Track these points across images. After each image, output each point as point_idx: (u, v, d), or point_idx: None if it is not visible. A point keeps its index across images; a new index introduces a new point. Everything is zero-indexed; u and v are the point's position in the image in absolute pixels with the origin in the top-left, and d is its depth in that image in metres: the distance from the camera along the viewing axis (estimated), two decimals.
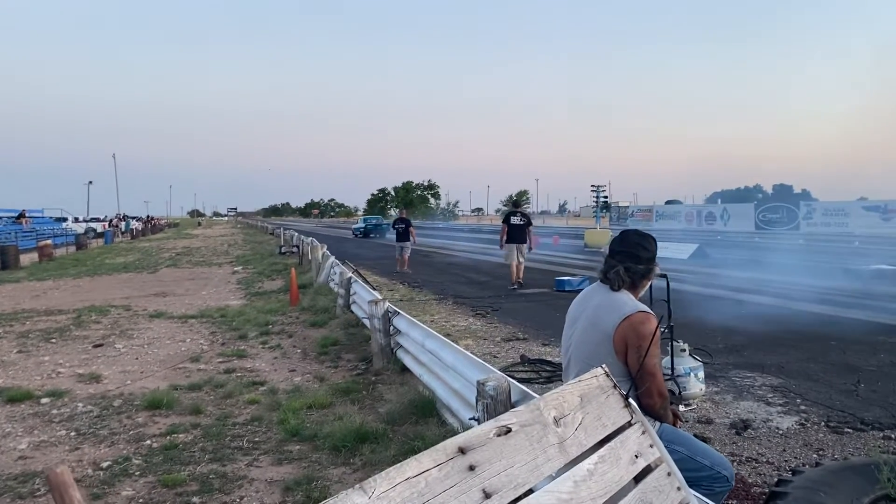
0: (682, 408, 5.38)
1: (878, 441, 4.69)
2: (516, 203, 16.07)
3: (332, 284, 12.46)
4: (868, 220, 29.42)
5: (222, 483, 4.16)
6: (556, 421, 1.45)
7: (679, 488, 1.62)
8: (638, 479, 1.56)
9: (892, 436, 4.77)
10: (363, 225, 46.77)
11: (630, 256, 2.93)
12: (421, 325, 6.13)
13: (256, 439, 4.96)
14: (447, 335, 8.52)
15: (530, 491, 1.29)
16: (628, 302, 2.80)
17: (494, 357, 7.51)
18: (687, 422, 5.11)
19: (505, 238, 14.16)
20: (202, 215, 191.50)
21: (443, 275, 17.73)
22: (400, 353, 6.63)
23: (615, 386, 1.67)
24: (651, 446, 1.64)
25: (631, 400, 1.68)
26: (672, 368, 5.49)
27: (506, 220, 14.38)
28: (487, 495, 1.20)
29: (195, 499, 3.95)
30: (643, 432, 1.65)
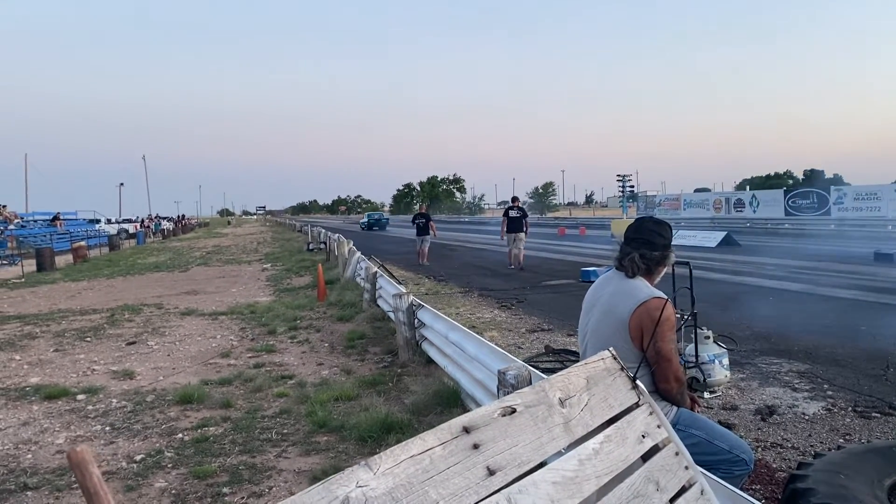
0: (706, 395, 5.41)
1: None
2: (514, 199, 18.39)
3: (358, 279, 12.58)
4: None
5: (251, 474, 4.26)
6: (562, 402, 1.49)
7: (687, 467, 1.65)
8: (645, 457, 1.59)
9: None
10: (367, 220, 56.57)
11: (645, 243, 2.94)
12: (445, 317, 6.19)
13: (285, 431, 5.06)
14: (472, 327, 8.57)
15: (535, 469, 1.33)
16: (643, 288, 2.82)
17: (519, 348, 7.54)
18: (711, 408, 5.11)
19: (505, 229, 16.85)
20: (231, 214, 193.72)
21: (468, 268, 17.78)
22: (425, 346, 6.69)
23: (622, 368, 1.71)
24: (659, 427, 1.67)
25: (639, 382, 1.71)
26: (696, 356, 5.52)
27: (505, 214, 17.13)
28: (491, 472, 1.25)
29: (225, 489, 4.06)
30: (651, 413, 1.68)
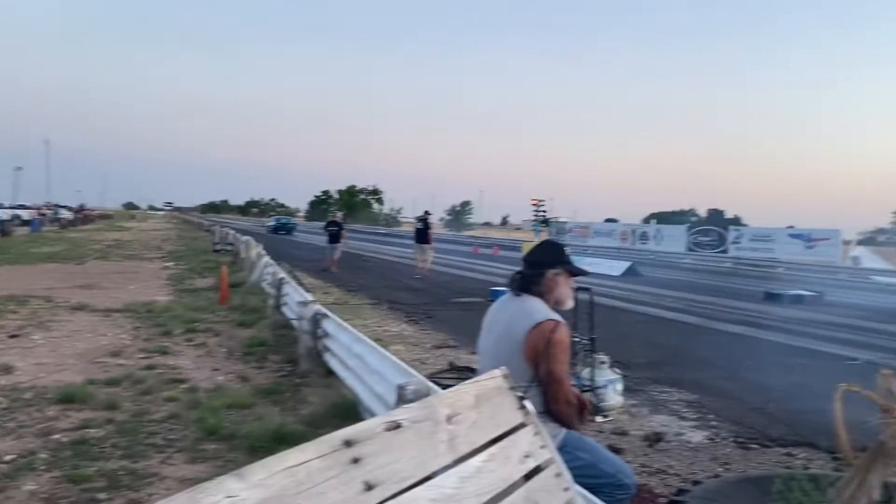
0: (599, 419, 5.54)
1: (780, 457, 4.90)
2: (426, 212, 19.98)
3: (264, 284, 12.29)
4: (793, 248, 30.64)
5: (132, 480, 4.06)
6: (449, 419, 1.49)
7: (566, 489, 1.68)
8: (528, 477, 1.61)
9: (794, 452, 4.99)
10: (274, 223, 57.16)
11: (529, 264, 3.05)
12: (349, 328, 6.12)
13: (172, 437, 4.86)
14: (378, 340, 8.47)
15: (416, 485, 1.32)
16: (540, 310, 2.88)
17: (423, 363, 7.54)
18: (602, 432, 5.25)
19: (416, 239, 19.11)
20: (137, 208, 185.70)
21: (380, 280, 17.70)
22: (327, 356, 6.59)
23: (512, 388, 1.72)
24: (543, 447, 1.70)
25: (526, 402, 1.73)
26: (592, 380, 5.65)
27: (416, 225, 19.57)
28: (370, 487, 1.23)
29: (101, 495, 3.85)
30: (536, 433, 1.71)
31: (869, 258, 30.39)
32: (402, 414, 1.41)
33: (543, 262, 3.04)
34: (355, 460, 1.24)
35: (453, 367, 7.24)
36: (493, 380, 1.71)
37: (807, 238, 30.53)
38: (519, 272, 3.10)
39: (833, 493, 2.70)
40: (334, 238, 19.64)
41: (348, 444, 1.25)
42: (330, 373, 6.42)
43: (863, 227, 57.29)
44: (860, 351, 9.09)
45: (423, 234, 18.57)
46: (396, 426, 1.36)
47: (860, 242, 38.58)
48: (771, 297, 16.32)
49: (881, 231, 59.40)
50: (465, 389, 1.61)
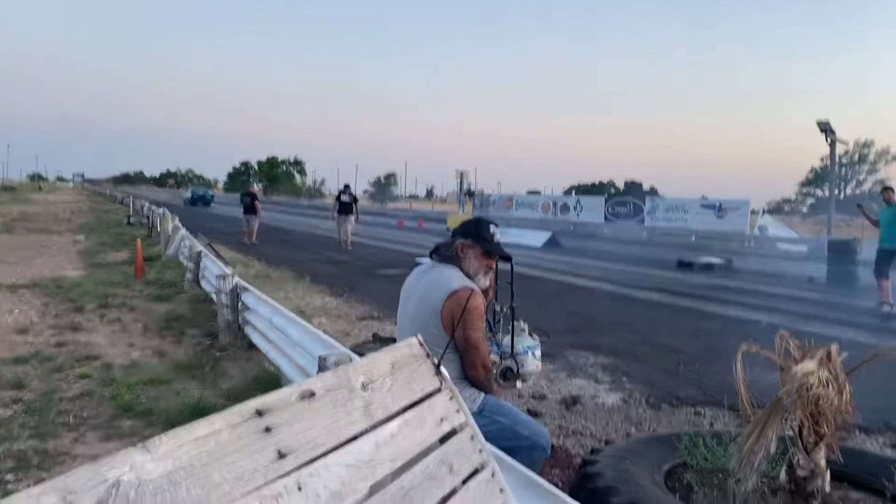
0: (519, 384, 5.68)
1: (689, 416, 5.15)
2: (346, 185, 20.41)
3: (181, 258, 11.95)
4: (705, 218, 31.86)
5: (42, 460, 3.92)
6: (364, 386, 1.50)
7: (481, 451, 1.73)
8: (443, 440, 1.65)
9: (702, 411, 5.25)
10: (190, 195, 56.36)
11: (456, 235, 3.11)
12: (270, 301, 6.03)
13: (85, 415, 4.70)
14: (300, 313, 8.40)
15: (330, 452, 1.33)
16: (456, 278, 2.93)
17: (347, 335, 7.52)
18: (522, 397, 5.39)
19: (336, 212, 19.14)
20: (44, 179, 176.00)
21: (302, 252, 17.48)
22: (248, 330, 6.49)
23: (428, 355, 1.75)
24: (458, 411, 1.73)
25: (442, 368, 1.76)
26: (512, 347, 5.77)
27: (337, 198, 19.51)
28: (282, 455, 1.23)
29: (9, 476, 3.70)
30: (451, 398, 1.74)
31: (775, 227, 31.97)
32: (316, 383, 1.41)
33: (458, 233, 3.09)
34: (267, 429, 1.24)
35: (377, 339, 7.26)
36: (408, 347, 1.72)
37: (718, 208, 31.78)
38: (441, 243, 3.15)
39: (734, 448, 2.86)
40: (248, 209, 19.55)
41: (260, 413, 1.24)
42: (251, 346, 6.34)
43: (770, 198, 60.12)
44: (765, 315, 9.60)
45: (348, 206, 19.01)
46: (310, 395, 1.36)
47: (767, 212, 40.53)
48: (683, 265, 17.00)
49: (787, 201, 62.49)
50: (381, 357, 1.62)
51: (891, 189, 10.61)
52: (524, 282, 12.00)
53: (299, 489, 1.23)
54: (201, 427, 1.15)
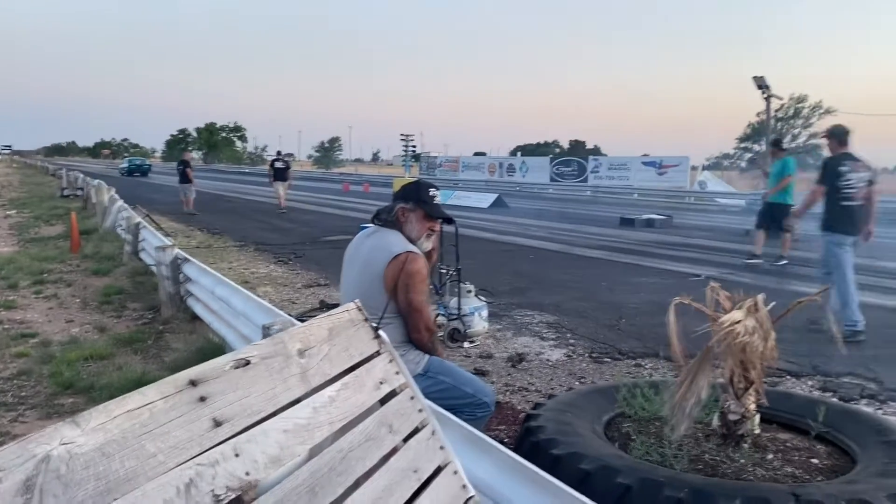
0: (467, 344, 5.78)
1: (630, 368, 5.32)
2: (278, 152, 22.25)
3: (119, 230, 11.62)
4: (646, 175, 32.52)
5: None
6: (301, 353, 1.51)
7: (421, 410, 1.77)
8: (383, 402, 1.68)
9: (642, 363, 5.43)
10: (127, 165, 55.06)
11: (397, 199, 3.11)
12: (212, 271, 5.94)
13: (23, 394, 4.59)
14: (245, 283, 8.34)
15: (267, 418, 1.35)
16: (398, 242, 2.94)
17: (293, 303, 7.49)
18: (469, 357, 5.48)
19: (272, 177, 20.11)
20: None
21: (245, 221, 17.20)
22: (190, 301, 6.39)
23: (366, 319, 1.77)
24: (397, 373, 1.76)
25: (381, 332, 1.78)
26: (459, 308, 5.85)
27: (272, 165, 20.59)
28: (218, 423, 1.24)
29: None
30: (391, 361, 1.77)
31: (714, 182, 32.81)
32: (252, 351, 1.42)
33: (399, 197, 3.09)
34: (202, 399, 1.24)
35: (323, 305, 7.24)
36: (346, 312, 1.74)
37: (658, 165, 32.45)
38: (385, 207, 3.15)
39: (668, 396, 2.98)
40: (182, 177, 19.49)
41: (194, 383, 1.25)
42: (195, 318, 6.25)
43: (709, 154, 61.51)
44: (704, 268, 9.90)
45: (282, 172, 19.85)
46: (245, 363, 1.37)
47: (706, 168, 41.50)
48: (625, 222, 17.36)
49: (726, 156, 64.03)
50: (318, 323, 1.64)
51: (778, 143, 10.84)
52: (471, 244, 12.11)
53: (237, 455, 1.24)
54: (133, 399, 1.15)
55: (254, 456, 1.27)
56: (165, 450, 1.14)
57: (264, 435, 1.31)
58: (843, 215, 6.25)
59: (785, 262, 10.22)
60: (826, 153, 6.90)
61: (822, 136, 6.73)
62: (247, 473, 1.24)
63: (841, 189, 6.26)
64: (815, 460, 2.90)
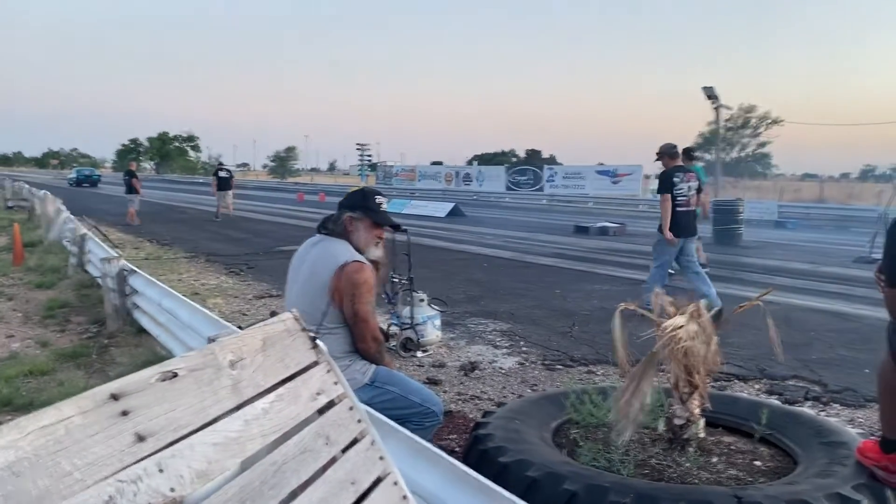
0: (420, 353, 5.76)
1: (582, 375, 5.36)
2: (220, 162, 23.57)
3: (64, 242, 11.30)
4: (601, 184, 32.97)
5: None
6: (232, 364, 1.48)
7: (360, 420, 1.74)
8: (321, 412, 1.65)
9: (595, 370, 5.48)
10: (76, 175, 53.66)
11: (342, 207, 3.08)
12: (159, 283, 5.82)
13: None
14: (195, 294, 8.19)
15: (195, 432, 1.31)
16: (344, 252, 2.91)
17: (244, 315, 7.37)
18: (422, 366, 5.45)
19: (216, 187, 20.46)
20: None
21: (197, 231, 16.91)
22: (137, 314, 6.25)
23: (303, 329, 1.74)
24: (336, 383, 1.74)
25: (319, 342, 1.76)
26: (412, 317, 5.83)
27: (215, 174, 20.99)
28: (142, 438, 1.20)
29: None
30: (328, 371, 1.74)
31: None
32: (179, 363, 1.38)
33: (345, 205, 3.06)
34: (124, 413, 1.20)
35: (274, 316, 7.14)
36: (282, 322, 1.71)
37: (613, 174, 32.93)
38: (331, 215, 3.12)
39: (613, 401, 3.01)
40: (128, 188, 19.47)
41: (115, 397, 1.21)
42: (142, 331, 6.11)
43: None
44: None
45: (226, 181, 20.43)
46: (172, 375, 1.33)
47: (657, 178, 42.22)
48: (580, 230, 17.57)
49: None
50: (251, 333, 1.60)
51: (689, 152, 10.89)
52: (426, 252, 12.10)
53: (160, 471, 1.20)
54: (49, 414, 1.10)
55: (179, 471, 1.23)
56: (83, 467, 1.09)
57: (191, 449, 1.28)
58: (674, 221, 7.13)
59: (707, 268, 10.39)
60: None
61: (656, 155, 7.65)
62: (171, 489, 1.20)
63: (676, 197, 7.16)
64: (758, 462, 2.95)
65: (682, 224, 7.19)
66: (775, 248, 15.18)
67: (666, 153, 7.47)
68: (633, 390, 2.75)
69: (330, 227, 3.04)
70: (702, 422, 3.04)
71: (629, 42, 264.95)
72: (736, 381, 5.24)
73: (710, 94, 27.77)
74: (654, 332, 2.97)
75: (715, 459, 2.95)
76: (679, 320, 2.77)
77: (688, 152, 10.74)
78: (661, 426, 3.08)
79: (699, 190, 7.56)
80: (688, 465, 2.85)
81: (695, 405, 3.02)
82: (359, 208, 3.06)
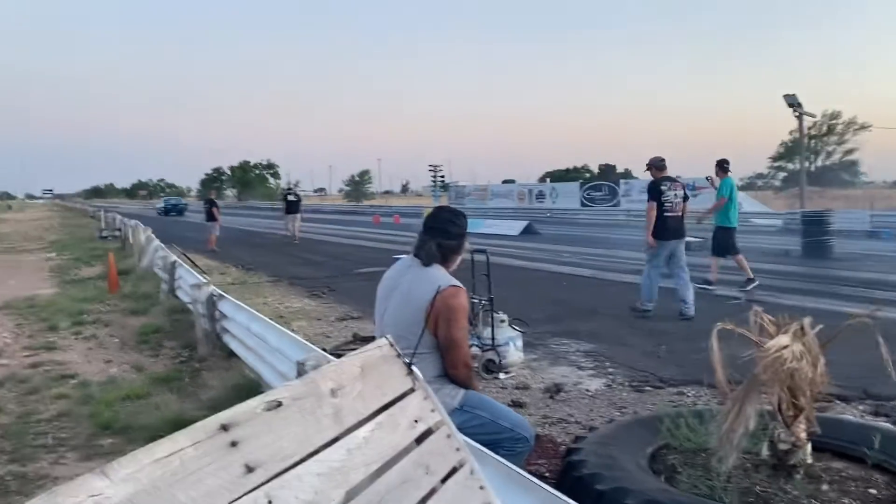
0: (502, 375, 5.68)
1: (671, 396, 5.18)
2: (288, 186, 24.67)
3: (156, 269, 11.80)
4: None
5: (21, 484, 3.85)
6: (333, 392, 1.48)
7: (458, 449, 1.71)
8: (419, 441, 1.63)
9: (685, 391, 5.29)
10: (163, 205, 56.45)
11: (441, 233, 3.05)
12: (247, 307, 5.97)
13: (63, 435, 4.63)
14: (279, 317, 8.36)
15: (300, 462, 1.31)
16: (441, 276, 2.91)
17: (327, 337, 7.48)
18: (506, 388, 5.39)
19: (285, 210, 21.20)
20: (13, 198, 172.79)
21: (277, 255, 17.36)
22: (226, 338, 6.42)
23: (399, 355, 1.73)
24: (433, 411, 1.71)
25: (415, 368, 1.74)
26: (493, 339, 5.77)
27: (284, 198, 21.91)
28: (250, 469, 1.20)
29: None
30: (425, 398, 1.72)
31: (749, 202, 32.28)
32: (283, 392, 1.38)
33: (459, 233, 3.06)
34: (234, 444, 1.21)
35: (357, 339, 7.21)
36: (379, 349, 1.70)
37: (691, 187, 32.03)
38: (425, 239, 3.06)
39: (714, 427, 2.87)
40: (208, 216, 19.88)
41: (225, 428, 1.21)
42: (231, 355, 6.27)
43: (743, 173, 60.60)
44: (744, 290, 9.67)
45: (294, 205, 21.04)
46: (277, 405, 1.34)
47: (740, 188, 40.89)
48: None
49: (760, 176, 62.97)
50: (350, 361, 1.60)
51: (722, 164, 10.43)
52: (501, 271, 12.01)
53: (269, 502, 1.20)
54: (163, 447, 1.12)
55: (287, 502, 1.23)
56: (197, 498, 1.10)
57: (298, 480, 1.27)
58: (663, 225, 7.97)
59: (755, 282, 9.91)
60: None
61: (646, 167, 8.33)
62: None
63: (663, 204, 7.93)
64: (873, 490, 2.76)
65: (671, 228, 8.03)
66: (870, 259, 14.40)
67: (654, 165, 8.16)
68: (735, 414, 2.62)
69: (437, 254, 3.01)
70: (808, 446, 2.87)
71: (703, 50, 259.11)
72: (837, 401, 4.95)
73: (792, 102, 26.80)
74: (753, 352, 2.84)
75: (825, 487, 2.78)
76: (783, 340, 2.63)
77: (721, 164, 10.49)
78: (765, 451, 2.93)
79: (685, 198, 8.26)
80: (796, 492, 2.69)
81: (801, 429, 2.86)
82: (464, 232, 3.07)
